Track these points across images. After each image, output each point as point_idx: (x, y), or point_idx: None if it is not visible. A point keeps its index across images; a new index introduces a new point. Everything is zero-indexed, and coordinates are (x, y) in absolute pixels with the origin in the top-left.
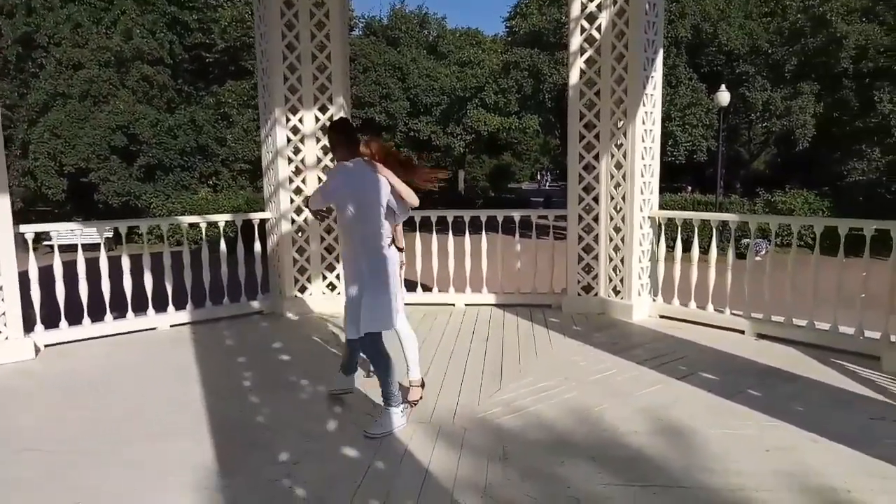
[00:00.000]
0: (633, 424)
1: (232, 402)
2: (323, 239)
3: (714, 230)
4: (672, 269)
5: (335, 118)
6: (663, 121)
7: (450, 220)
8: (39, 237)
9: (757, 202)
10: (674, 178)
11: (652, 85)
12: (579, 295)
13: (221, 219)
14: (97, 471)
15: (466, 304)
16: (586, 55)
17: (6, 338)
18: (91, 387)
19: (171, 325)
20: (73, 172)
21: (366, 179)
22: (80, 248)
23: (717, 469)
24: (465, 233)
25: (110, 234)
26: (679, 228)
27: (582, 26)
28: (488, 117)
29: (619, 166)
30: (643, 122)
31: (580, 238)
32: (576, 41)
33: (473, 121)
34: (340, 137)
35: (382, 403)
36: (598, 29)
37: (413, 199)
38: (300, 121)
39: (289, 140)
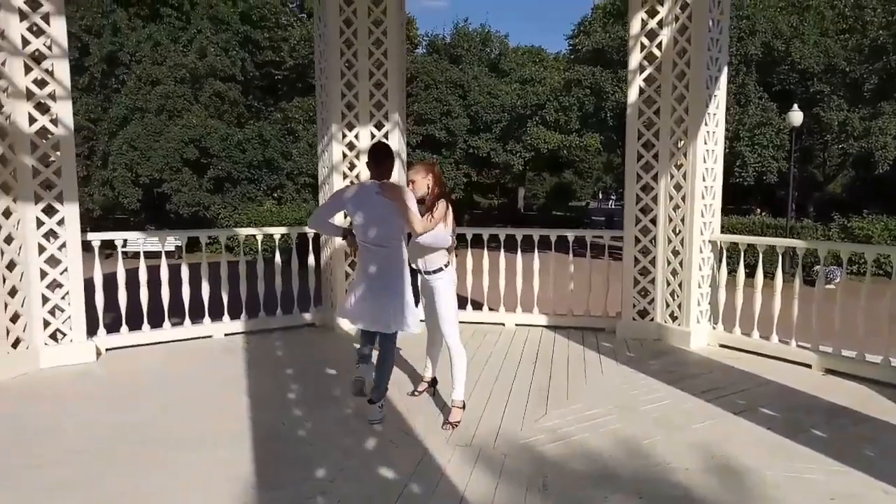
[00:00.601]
0: (685, 460)
1: (275, 414)
2: None
3: (781, 256)
4: (734, 295)
5: (388, 136)
6: (731, 140)
7: (502, 237)
8: (110, 244)
9: (831, 227)
10: (742, 200)
11: (715, 104)
12: (634, 320)
13: (277, 231)
14: (137, 475)
15: (517, 325)
16: (646, 73)
17: (70, 340)
18: (143, 392)
19: (226, 334)
20: (148, 183)
21: (370, 199)
22: (142, 256)
23: None
24: (517, 251)
25: (180, 243)
26: (742, 253)
27: (642, 43)
28: (548, 135)
29: (678, 187)
30: (705, 142)
31: (636, 261)
32: (635, 59)
33: (533, 138)
34: (368, 162)
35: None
36: (659, 46)
37: (414, 228)
38: (356, 137)
39: (344, 156)
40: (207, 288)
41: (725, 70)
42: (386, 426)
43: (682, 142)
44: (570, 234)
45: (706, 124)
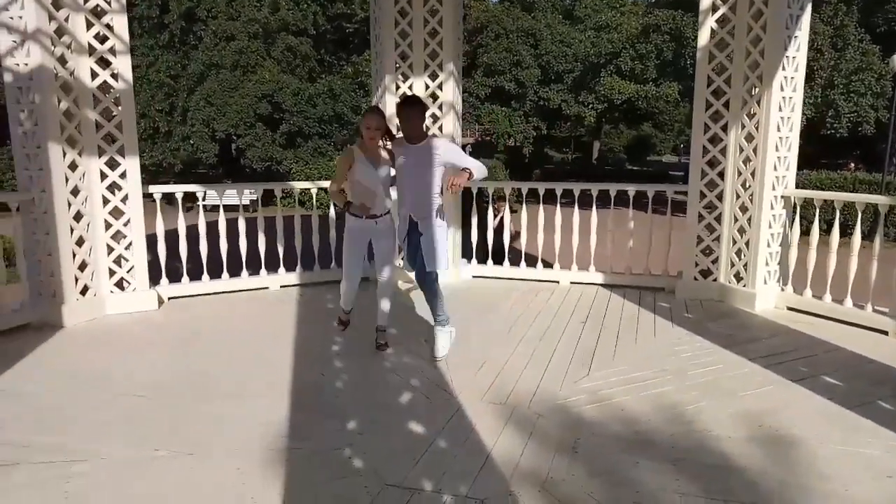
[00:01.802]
0: (729, 428)
1: (316, 366)
2: None
3: (860, 214)
4: (806, 255)
5: (442, 87)
6: (823, 88)
7: (558, 192)
8: (192, 197)
9: None
10: (836, 153)
11: (795, 46)
12: (696, 279)
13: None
14: (177, 420)
15: (572, 283)
16: (719, 13)
17: (134, 289)
18: (194, 340)
19: (281, 286)
20: (224, 138)
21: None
22: (201, 209)
23: (820, 491)
24: (574, 206)
25: (255, 197)
26: (818, 210)
27: None
28: (622, 85)
29: (749, 138)
30: (781, 89)
31: (700, 217)
32: None
33: (607, 89)
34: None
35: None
36: None
37: None
38: (410, 88)
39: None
40: (264, 241)
41: (809, 8)
42: (423, 381)
43: (757, 88)
44: (631, 189)
45: (784, 69)
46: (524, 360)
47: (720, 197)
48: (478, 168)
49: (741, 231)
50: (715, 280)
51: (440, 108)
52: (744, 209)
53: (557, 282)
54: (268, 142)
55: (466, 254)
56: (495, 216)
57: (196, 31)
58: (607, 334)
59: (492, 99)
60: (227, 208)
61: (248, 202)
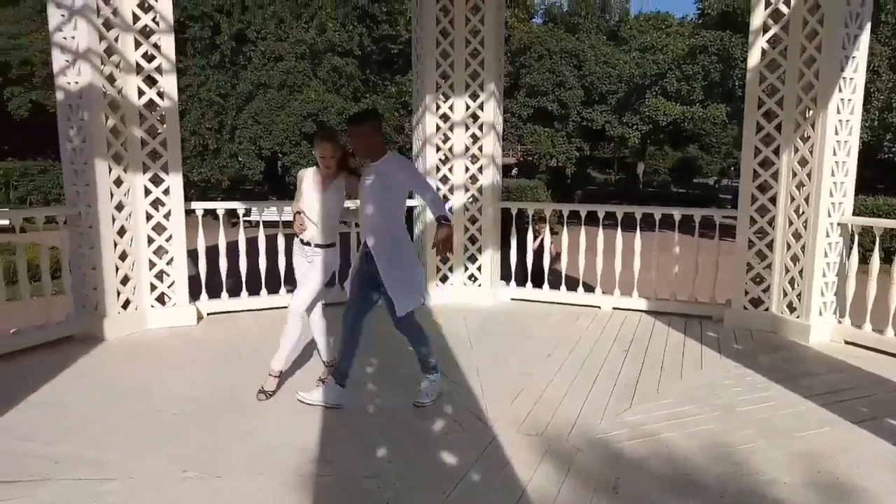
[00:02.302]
0: (784, 472)
1: (350, 388)
2: (466, 229)
3: None
4: (865, 286)
5: (483, 107)
6: (882, 111)
7: (601, 214)
8: (235, 213)
9: None
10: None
11: (853, 67)
12: (745, 308)
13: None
14: (207, 440)
15: (614, 308)
16: (770, 33)
17: (174, 304)
18: (231, 357)
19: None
20: (269, 156)
21: None
22: (241, 226)
23: None
24: (616, 229)
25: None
26: (878, 239)
27: (767, 0)
28: (668, 106)
29: (803, 163)
30: (838, 111)
31: (751, 243)
32: (758, 17)
33: (651, 110)
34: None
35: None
36: (787, 2)
37: None
38: (450, 108)
39: (438, 128)
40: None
41: (868, 28)
42: (456, 408)
43: (811, 111)
44: (677, 213)
45: (840, 90)
46: (563, 389)
47: (772, 223)
48: (433, 198)
49: (794, 259)
50: (766, 310)
51: (480, 128)
52: (797, 236)
53: (599, 307)
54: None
55: (505, 276)
56: (535, 238)
57: (246, 51)
58: (651, 364)
59: (534, 119)
60: (269, 224)
61: (291, 218)
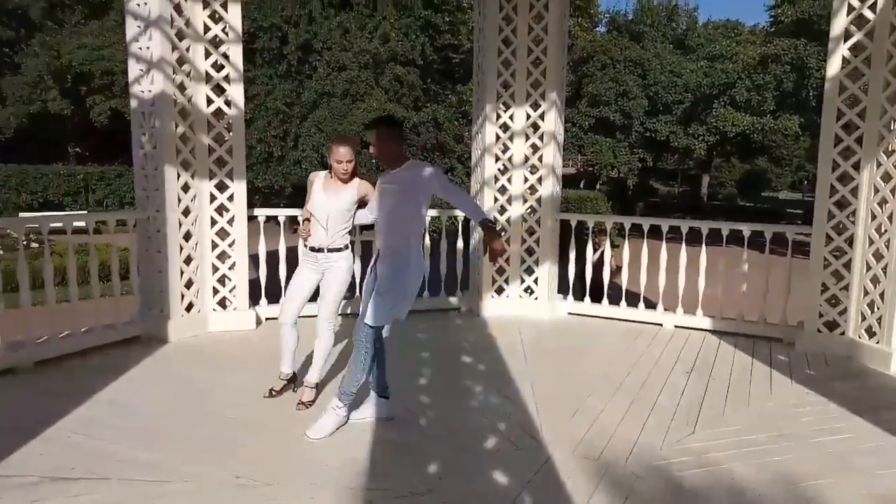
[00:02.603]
0: None
1: (401, 400)
2: (524, 241)
3: None
4: None
5: (544, 117)
6: None
7: (664, 229)
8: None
9: None
10: None
11: None
12: (819, 332)
13: (428, 214)
14: (262, 446)
15: (676, 326)
16: (852, 40)
17: (235, 308)
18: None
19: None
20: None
21: None
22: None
23: None
24: (680, 243)
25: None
26: None
27: (850, 5)
28: (737, 117)
29: (887, 178)
30: None
31: (826, 263)
32: (839, 23)
33: (719, 120)
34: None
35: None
36: (873, 7)
37: None
38: (511, 118)
39: (498, 137)
40: (359, 265)
41: None
42: (511, 425)
43: None
44: (746, 228)
45: None
46: (621, 410)
47: (850, 241)
48: (468, 201)
49: (875, 281)
50: (843, 334)
51: (541, 138)
52: (878, 256)
53: (660, 324)
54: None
55: (563, 289)
56: (595, 251)
57: (311, 61)
58: (716, 387)
59: (596, 129)
60: None
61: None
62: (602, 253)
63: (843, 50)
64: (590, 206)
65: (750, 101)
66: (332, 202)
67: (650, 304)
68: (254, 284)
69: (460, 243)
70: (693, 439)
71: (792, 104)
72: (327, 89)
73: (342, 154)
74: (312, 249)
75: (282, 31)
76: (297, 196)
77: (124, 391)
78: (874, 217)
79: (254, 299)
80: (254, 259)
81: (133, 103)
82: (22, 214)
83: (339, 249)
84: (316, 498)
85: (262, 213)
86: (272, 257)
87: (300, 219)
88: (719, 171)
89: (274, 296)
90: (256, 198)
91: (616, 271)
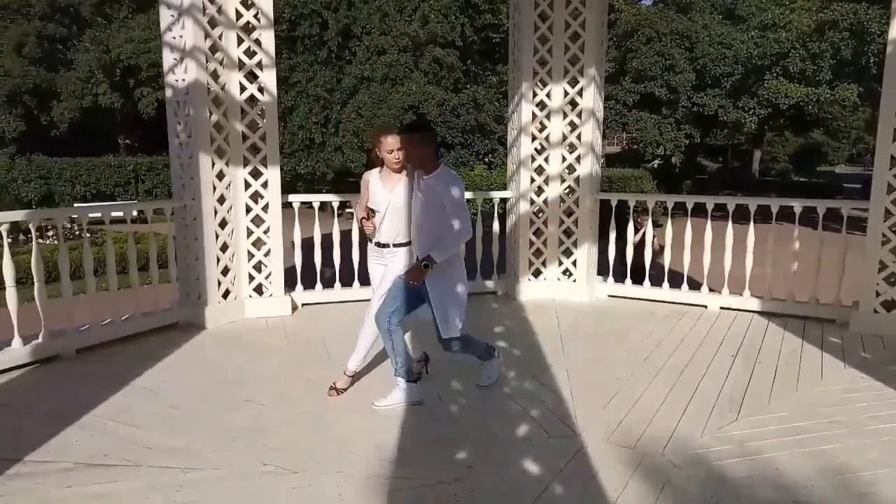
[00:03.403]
0: None
1: (434, 385)
2: (562, 222)
3: None
4: None
5: (582, 93)
6: None
7: (709, 207)
8: (343, 204)
9: None
10: None
11: None
12: (876, 312)
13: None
14: (291, 433)
15: (721, 308)
16: None
17: (270, 294)
18: (321, 348)
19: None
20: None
21: None
22: (335, 219)
23: None
24: (727, 222)
25: None
26: None
27: None
28: (790, 88)
29: None
30: None
31: (885, 239)
32: None
33: (771, 92)
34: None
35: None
36: None
37: None
38: (548, 95)
39: (534, 116)
40: None
41: None
42: (544, 412)
43: None
44: (797, 204)
45: None
46: (660, 396)
47: None
48: (453, 239)
49: None
50: None
51: (579, 115)
52: None
53: (705, 306)
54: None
55: (602, 271)
56: (636, 231)
57: (351, 46)
58: (762, 372)
59: (640, 106)
60: None
61: None
62: (644, 233)
63: None
64: (634, 185)
65: (805, 71)
66: (394, 196)
67: (694, 286)
68: (291, 271)
69: (496, 226)
70: (736, 426)
71: (850, 73)
72: (367, 74)
73: (391, 143)
74: (378, 245)
75: (322, 17)
76: (339, 182)
77: (160, 378)
78: None
79: (291, 285)
80: (292, 245)
81: (168, 92)
82: (76, 205)
83: (404, 244)
84: (342, 486)
85: (296, 198)
86: (308, 243)
87: (356, 217)
88: (772, 145)
89: (310, 281)
90: (299, 184)
91: (659, 251)
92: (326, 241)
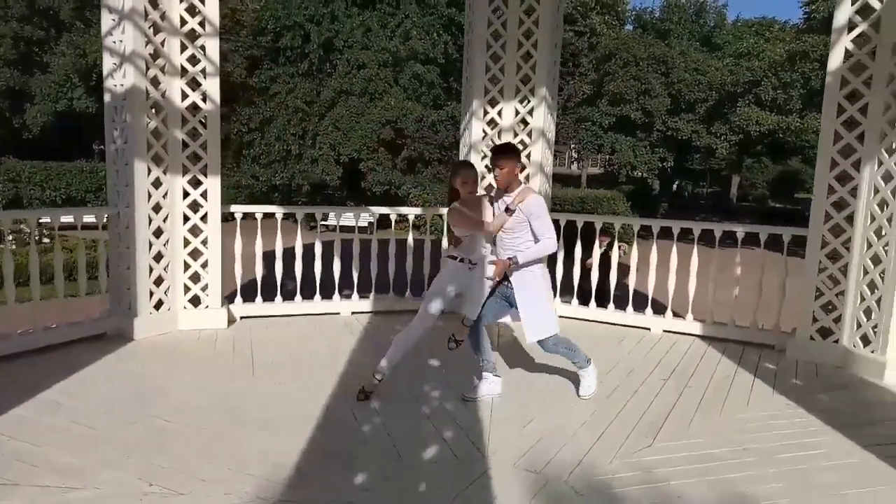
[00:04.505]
0: None
1: (351, 404)
2: None
3: None
4: None
5: (533, 112)
6: None
7: (655, 230)
8: (313, 217)
9: None
10: None
11: None
12: (812, 339)
13: (411, 211)
14: (189, 451)
15: (664, 331)
16: (856, 32)
17: (206, 306)
18: (250, 364)
19: (353, 312)
20: (347, 161)
21: None
22: (279, 231)
23: None
24: (693, 245)
25: (372, 220)
26: None
27: None
28: (761, 115)
29: (887, 178)
30: None
31: (822, 267)
32: (843, 14)
33: (742, 119)
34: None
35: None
36: None
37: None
38: (499, 114)
39: (485, 134)
40: (339, 265)
41: None
42: (457, 434)
43: None
44: (740, 230)
45: None
46: (581, 419)
47: (847, 245)
48: (538, 249)
49: (872, 286)
50: (836, 342)
51: (529, 134)
52: (876, 261)
53: (648, 329)
54: (388, 166)
55: (563, 292)
56: (592, 252)
57: (332, 60)
58: (690, 397)
59: (616, 129)
60: (344, 229)
61: (365, 224)
62: (608, 255)
63: (846, 42)
64: (606, 206)
65: (776, 99)
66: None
67: (640, 308)
68: (252, 283)
69: (444, 242)
70: (648, 452)
71: (819, 103)
72: (346, 87)
73: (468, 176)
74: (461, 261)
75: (305, 29)
76: (315, 194)
77: (69, 391)
78: (873, 219)
79: (264, 296)
80: (265, 257)
81: (106, 97)
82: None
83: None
84: None
85: (239, 209)
86: (288, 254)
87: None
88: (751, 172)
89: (269, 293)
90: (276, 195)
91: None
92: (288, 255)
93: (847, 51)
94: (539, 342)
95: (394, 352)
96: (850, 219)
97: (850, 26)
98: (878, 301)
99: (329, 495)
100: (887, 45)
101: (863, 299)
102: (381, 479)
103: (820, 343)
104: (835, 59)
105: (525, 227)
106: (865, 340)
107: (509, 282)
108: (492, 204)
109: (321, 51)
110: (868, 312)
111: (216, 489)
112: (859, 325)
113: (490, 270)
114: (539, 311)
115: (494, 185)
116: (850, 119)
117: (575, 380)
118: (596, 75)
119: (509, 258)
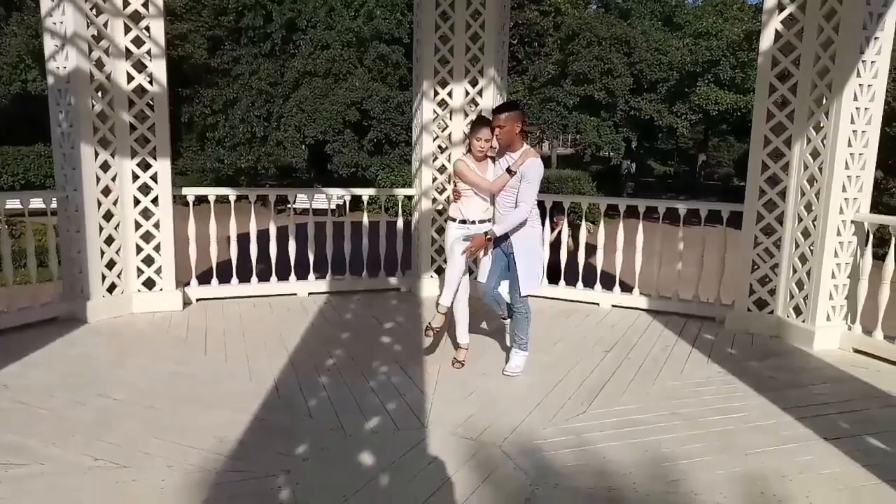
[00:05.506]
0: (721, 494)
1: (303, 379)
2: None
3: None
4: (878, 290)
5: (482, 93)
6: None
7: (602, 207)
8: (285, 199)
9: None
10: None
11: (875, 49)
12: (749, 311)
13: (365, 192)
14: (135, 428)
15: (613, 306)
16: (785, 13)
17: (160, 289)
18: (203, 344)
19: (309, 293)
20: (313, 143)
21: None
22: (233, 214)
23: None
24: (657, 223)
25: (342, 202)
26: (895, 239)
27: None
28: (720, 95)
29: (815, 154)
30: (855, 98)
31: (757, 241)
32: None
33: (702, 98)
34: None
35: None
36: None
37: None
38: (449, 94)
39: (436, 115)
40: (294, 246)
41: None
42: (400, 406)
43: (826, 98)
44: (682, 206)
45: (859, 75)
46: (521, 390)
47: (780, 220)
48: (513, 218)
49: (802, 259)
50: (771, 312)
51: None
52: (806, 234)
53: (597, 304)
54: (354, 148)
55: None
56: (552, 230)
57: (296, 40)
58: (628, 366)
59: (581, 108)
60: (317, 212)
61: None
62: (559, 233)
63: (776, 23)
64: (571, 185)
65: (734, 78)
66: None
67: (589, 284)
68: (226, 265)
69: (400, 223)
70: (581, 419)
71: None
72: (310, 68)
73: (484, 132)
74: (463, 222)
75: (266, 9)
76: (284, 177)
77: (17, 373)
78: (803, 194)
79: (220, 278)
80: (225, 241)
81: (49, 80)
82: None
83: (486, 221)
84: (167, 480)
85: (190, 192)
86: (242, 239)
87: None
88: (717, 150)
89: (226, 276)
90: (242, 178)
91: (572, 253)
92: (243, 239)
93: (777, 32)
94: (512, 304)
95: (448, 287)
96: (783, 194)
97: (780, 7)
98: (808, 273)
99: (266, 467)
100: (812, 25)
101: (794, 271)
102: (319, 450)
103: (756, 314)
104: (766, 40)
105: (515, 190)
106: (797, 311)
107: (507, 242)
108: (493, 162)
109: (284, 31)
110: (800, 284)
111: (160, 462)
112: (791, 297)
113: (465, 246)
114: (532, 268)
115: (495, 144)
116: (780, 98)
117: None
118: (561, 55)
119: (485, 232)
